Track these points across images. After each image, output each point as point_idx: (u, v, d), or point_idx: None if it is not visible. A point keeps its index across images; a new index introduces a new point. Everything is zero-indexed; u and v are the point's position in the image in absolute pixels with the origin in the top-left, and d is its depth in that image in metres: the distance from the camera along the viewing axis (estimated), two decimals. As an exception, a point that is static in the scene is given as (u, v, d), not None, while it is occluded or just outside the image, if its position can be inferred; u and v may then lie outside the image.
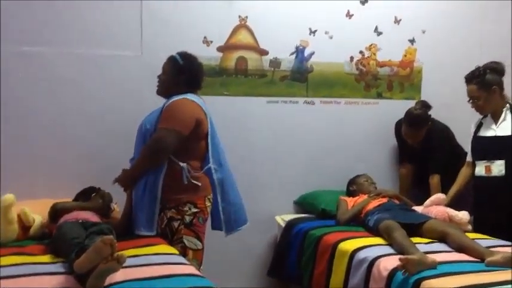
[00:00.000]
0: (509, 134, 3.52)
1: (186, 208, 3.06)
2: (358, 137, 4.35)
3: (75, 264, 2.26)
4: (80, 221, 2.91)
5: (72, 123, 3.66)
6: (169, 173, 3.06)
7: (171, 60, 3.22)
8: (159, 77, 3.25)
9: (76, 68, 3.65)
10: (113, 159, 3.34)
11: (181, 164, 3.04)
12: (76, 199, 3.35)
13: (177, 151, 3.05)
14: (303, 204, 4.18)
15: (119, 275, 2.31)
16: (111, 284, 2.27)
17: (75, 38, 3.64)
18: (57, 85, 3.62)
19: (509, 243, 3.20)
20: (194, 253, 3.08)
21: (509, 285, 2.48)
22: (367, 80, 4.37)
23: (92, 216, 3.04)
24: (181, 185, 3.05)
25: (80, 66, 3.66)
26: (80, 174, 3.58)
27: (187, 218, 3.06)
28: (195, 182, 3.07)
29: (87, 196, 3.35)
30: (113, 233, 2.72)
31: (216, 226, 3.30)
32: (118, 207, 3.41)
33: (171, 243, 3.02)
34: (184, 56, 3.23)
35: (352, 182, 4.12)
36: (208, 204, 3.17)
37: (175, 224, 3.05)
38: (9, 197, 3.01)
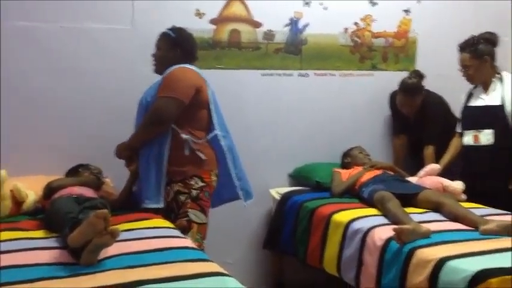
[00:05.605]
0: (499, 103, 3.54)
1: (193, 182, 3.06)
2: (353, 108, 4.32)
3: (69, 239, 2.26)
4: (74, 196, 2.90)
5: (66, 98, 3.60)
6: (174, 145, 3.04)
7: (164, 35, 3.22)
8: (153, 55, 3.23)
9: (70, 42, 3.59)
10: (109, 135, 3.30)
11: (184, 136, 3.02)
12: (67, 176, 3.33)
13: (180, 121, 3.04)
14: (297, 177, 4.17)
15: (113, 249, 2.31)
16: (105, 258, 2.27)
17: (67, 13, 3.58)
18: (51, 60, 3.56)
19: (503, 211, 3.21)
20: (199, 227, 3.08)
21: (503, 253, 2.49)
22: (362, 51, 4.33)
23: (86, 191, 3.03)
24: (186, 157, 3.04)
25: (73, 40, 3.60)
26: (73, 150, 3.55)
27: (194, 192, 3.05)
28: (199, 153, 3.06)
29: (76, 172, 3.34)
30: (107, 208, 2.70)
31: (229, 197, 3.28)
32: (111, 181, 3.40)
33: (176, 216, 3.02)
34: (176, 30, 3.24)
35: (346, 154, 4.12)
36: (214, 178, 3.16)
37: (182, 197, 3.05)
38: (0, 172, 2.99)
